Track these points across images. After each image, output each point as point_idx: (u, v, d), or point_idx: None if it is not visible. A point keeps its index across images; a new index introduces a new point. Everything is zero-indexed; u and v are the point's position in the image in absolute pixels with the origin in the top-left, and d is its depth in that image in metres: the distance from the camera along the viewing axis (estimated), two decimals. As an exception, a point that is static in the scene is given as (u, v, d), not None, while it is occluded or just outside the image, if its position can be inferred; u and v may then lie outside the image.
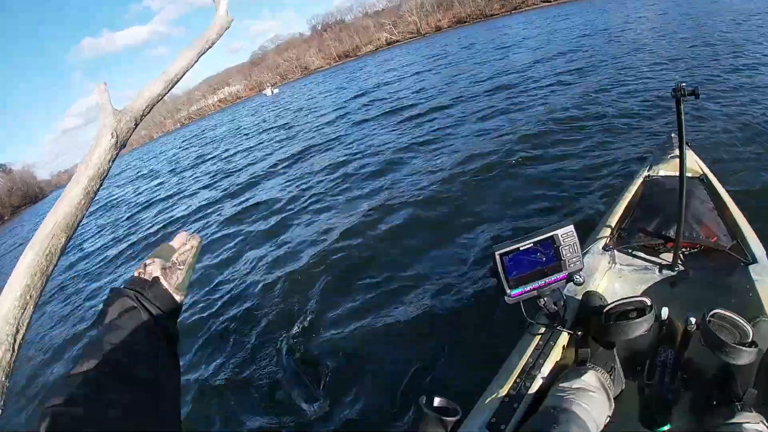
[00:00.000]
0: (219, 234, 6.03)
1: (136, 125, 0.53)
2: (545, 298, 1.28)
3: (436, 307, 2.71)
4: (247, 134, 17.15)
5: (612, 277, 1.75)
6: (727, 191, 2.08)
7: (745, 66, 5.97)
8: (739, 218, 1.88)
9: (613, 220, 1.97)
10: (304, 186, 6.75)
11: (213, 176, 10.91)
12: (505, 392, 1.25)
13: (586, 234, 2.03)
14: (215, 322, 3.60)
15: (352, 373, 2.44)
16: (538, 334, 1.38)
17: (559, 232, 1.19)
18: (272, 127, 15.92)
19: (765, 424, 1.06)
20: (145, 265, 0.68)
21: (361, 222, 4.49)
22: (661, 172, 2.21)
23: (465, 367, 2.13)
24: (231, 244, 5.42)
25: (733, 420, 1.07)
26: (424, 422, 0.94)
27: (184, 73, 0.57)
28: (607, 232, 1.91)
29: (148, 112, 0.54)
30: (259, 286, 3.93)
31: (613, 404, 1.21)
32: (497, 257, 1.21)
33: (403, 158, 6.41)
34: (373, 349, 2.56)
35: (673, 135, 2.53)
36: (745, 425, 1.05)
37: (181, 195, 10.36)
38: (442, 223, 3.95)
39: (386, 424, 2.07)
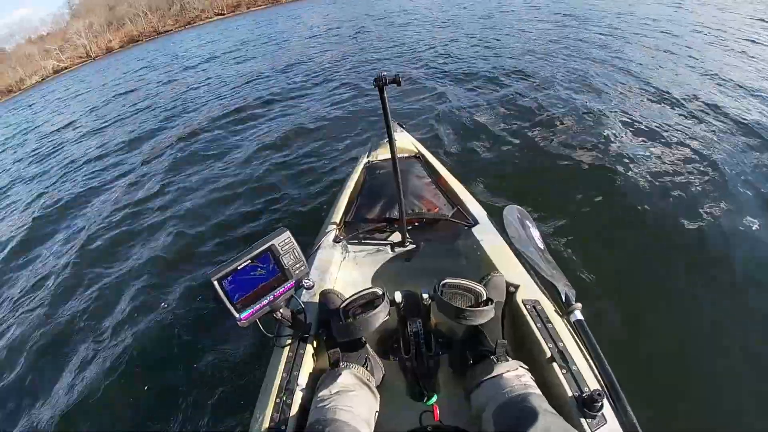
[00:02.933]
0: None
1: None
2: (281, 310, 1.21)
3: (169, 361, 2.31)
4: None
5: (348, 267, 1.77)
6: (444, 165, 2.27)
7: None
8: (456, 187, 2.04)
9: (340, 211, 1.97)
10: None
11: None
12: (270, 416, 1.13)
13: (316, 231, 2.02)
14: None
15: None
16: (287, 346, 1.32)
17: (276, 241, 1.13)
18: None
19: (524, 368, 1.13)
20: None
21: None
22: (380, 157, 2.28)
23: (223, 400, 1.91)
24: None
25: (493, 373, 1.11)
26: None
27: None
28: (335, 224, 1.90)
29: None
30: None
31: (378, 394, 1.20)
32: (215, 284, 1.07)
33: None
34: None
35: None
36: (504, 375, 1.09)
37: None
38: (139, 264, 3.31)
39: None
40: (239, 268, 1.09)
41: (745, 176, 2.92)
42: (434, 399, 1.23)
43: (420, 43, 8.99)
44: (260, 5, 44.28)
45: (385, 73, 1.40)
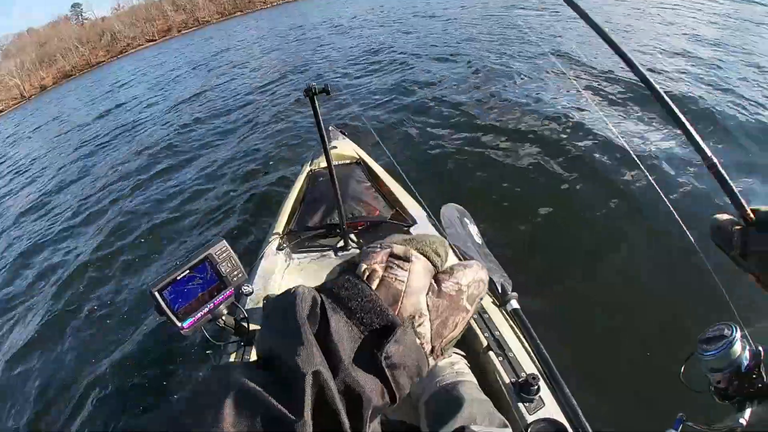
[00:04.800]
0: None
1: None
2: (224, 318, 1.27)
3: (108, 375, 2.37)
4: None
5: (292, 273, 1.83)
6: (384, 169, 2.34)
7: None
8: (396, 190, 2.13)
9: (283, 220, 2.04)
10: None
11: None
12: None
13: (263, 241, 2.06)
14: None
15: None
16: (233, 353, 1.38)
17: (212, 251, 1.19)
18: None
19: (460, 354, 1.16)
20: (391, 265, 0.31)
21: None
22: (322, 165, 2.31)
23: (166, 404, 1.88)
24: None
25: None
26: None
27: None
28: (279, 232, 1.98)
29: None
30: None
31: None
32: (156, 294, 1.12)
33: None
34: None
35: (330, 128, 2.67)
36: (438, 363, 1.09)
37: None
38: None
39: None
40: (178, 278, 1.15)
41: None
42: None
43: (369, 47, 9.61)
44: (191, 27, 45.91)
45: (314, 84, 1.46)
